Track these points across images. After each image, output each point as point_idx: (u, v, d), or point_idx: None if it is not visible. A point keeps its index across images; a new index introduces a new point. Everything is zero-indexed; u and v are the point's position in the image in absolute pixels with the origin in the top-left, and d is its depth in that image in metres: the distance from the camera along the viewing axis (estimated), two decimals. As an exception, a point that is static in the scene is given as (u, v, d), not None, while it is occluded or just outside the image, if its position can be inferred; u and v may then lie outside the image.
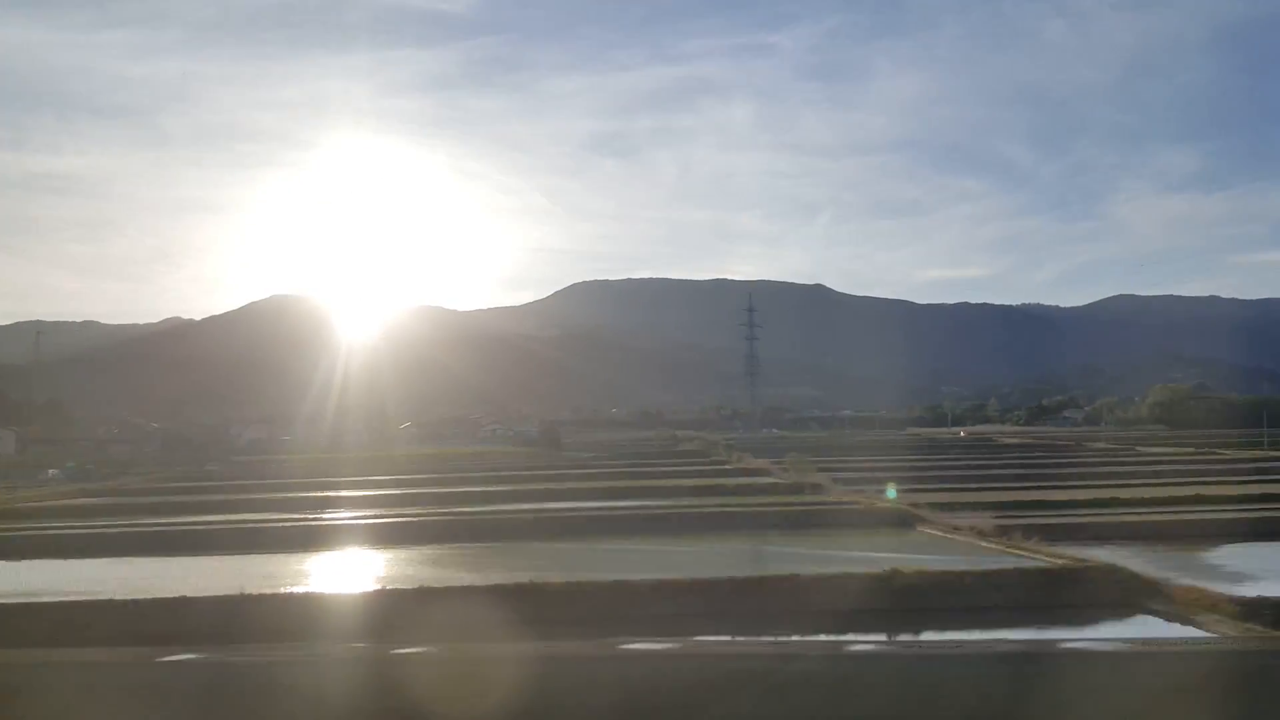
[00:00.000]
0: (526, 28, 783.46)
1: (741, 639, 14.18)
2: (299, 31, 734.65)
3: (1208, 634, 13.41)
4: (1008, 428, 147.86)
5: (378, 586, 17.47)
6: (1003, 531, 21.85)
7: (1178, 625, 14.22)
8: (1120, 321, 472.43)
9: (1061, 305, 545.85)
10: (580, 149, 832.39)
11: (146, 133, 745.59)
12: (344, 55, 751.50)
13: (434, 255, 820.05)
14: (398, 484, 45.72)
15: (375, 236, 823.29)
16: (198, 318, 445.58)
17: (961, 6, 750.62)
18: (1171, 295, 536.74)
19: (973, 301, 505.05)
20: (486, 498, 37.47)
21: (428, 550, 23.90)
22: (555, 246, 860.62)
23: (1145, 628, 14.52)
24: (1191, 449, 67.13)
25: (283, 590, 16.91)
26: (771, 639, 13.64)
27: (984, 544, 21.47)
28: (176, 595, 15.88)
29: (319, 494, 40.91)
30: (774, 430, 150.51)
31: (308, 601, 16.23)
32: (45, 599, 17.26)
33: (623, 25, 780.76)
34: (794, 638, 13.87)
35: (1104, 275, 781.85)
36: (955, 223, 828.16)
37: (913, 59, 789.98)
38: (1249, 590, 15.45)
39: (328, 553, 24.52)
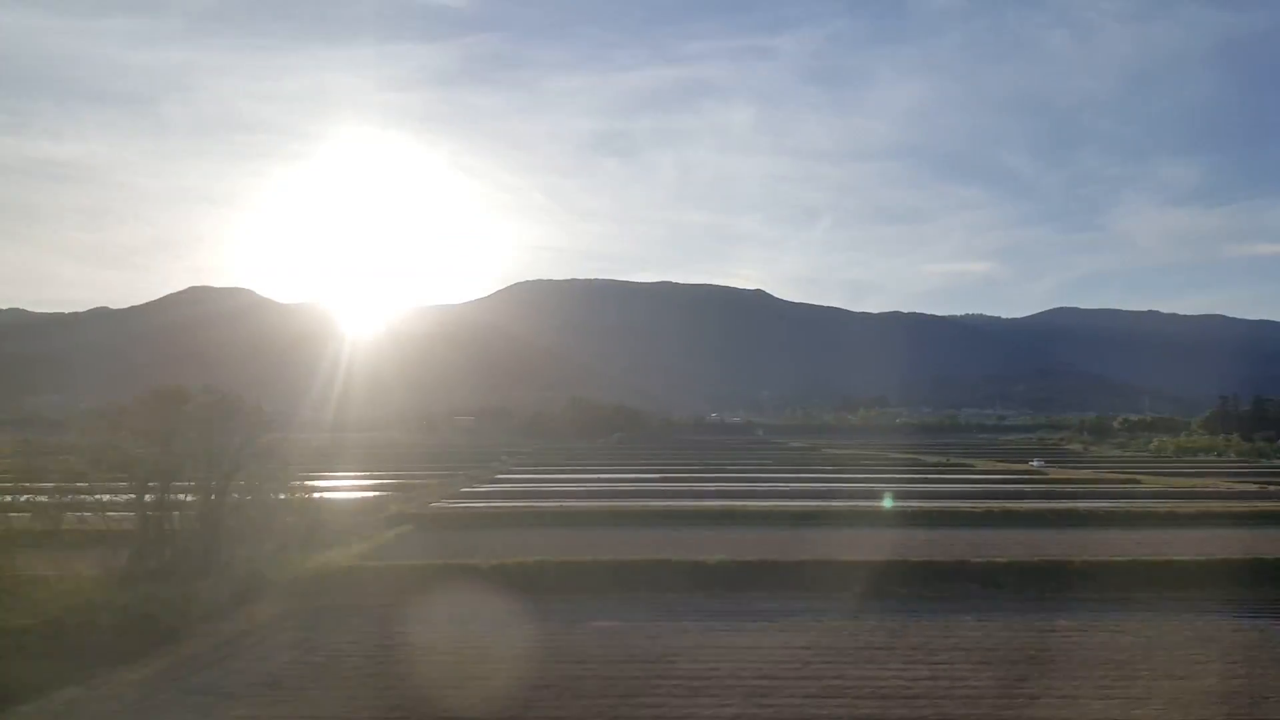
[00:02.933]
0: (526, 25, 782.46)
1: None
2: (299, 24, 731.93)
3: None
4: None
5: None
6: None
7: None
8: (1045, 334, 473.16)
9: (1003, 316, 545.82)
10: (580, 148, 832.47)
11: (147, 121, 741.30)
12: (344, 48, 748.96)
13: (422, 252, 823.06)
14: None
15: (356, 231, 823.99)
16: (121, 307, 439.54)
17: (964, 15, 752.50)
18: (1112, 309, 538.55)
19: (904, 310, 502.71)
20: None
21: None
22: (554, 245, 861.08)
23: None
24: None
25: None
26: None
27: None
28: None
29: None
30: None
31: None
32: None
33: (623, 25, 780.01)
34: None
35: (1102, 287, 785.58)
36: (955, 231, 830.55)
37: (914, 66, 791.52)
38: None
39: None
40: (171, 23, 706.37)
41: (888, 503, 45.73)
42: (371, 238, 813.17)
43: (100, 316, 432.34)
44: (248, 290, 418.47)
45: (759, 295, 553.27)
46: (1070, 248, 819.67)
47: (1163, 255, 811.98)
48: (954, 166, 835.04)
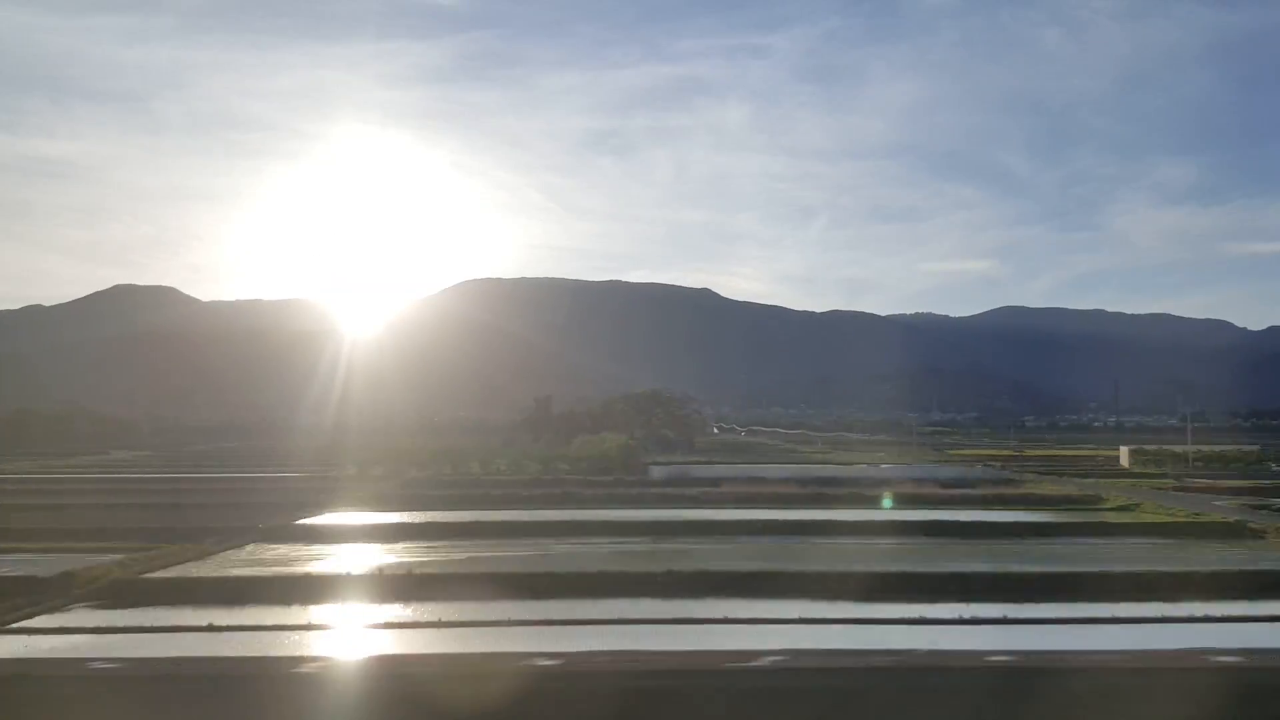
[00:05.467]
0: (519, 23, 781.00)
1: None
2: (291, 21, 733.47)
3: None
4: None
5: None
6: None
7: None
8: (981, 333, 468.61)
9: (951, 315, 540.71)
10: (576, 146, 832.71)
11: (141, 119, 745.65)
12: (338, 45, 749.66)
13: (410, 250, 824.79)
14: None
15: (353, 229, 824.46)
16: (50, 305, 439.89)
17: (958, 12, 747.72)
18: (1060, 308, 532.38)
19: (844, 310, 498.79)
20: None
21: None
22: (551, 243, 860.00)
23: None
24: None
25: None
26: None
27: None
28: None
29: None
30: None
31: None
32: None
33: (616, 23, 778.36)
34: None
35: (1099, 286, 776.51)
36: (952, 229, 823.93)
37: (909, 64, 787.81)
38: None
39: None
40: (164, 20, 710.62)
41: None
42: (356, 234, 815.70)
43: (34, 315, 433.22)
44: (171, 288, 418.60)
45: (705, 294, 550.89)
46: (1066, 246, 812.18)
47: (1156, 254, 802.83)
48: (950, 165, 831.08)
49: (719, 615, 15.01)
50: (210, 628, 14.07)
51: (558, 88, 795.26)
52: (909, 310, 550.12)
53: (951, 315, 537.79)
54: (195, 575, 18.56)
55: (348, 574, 18.38)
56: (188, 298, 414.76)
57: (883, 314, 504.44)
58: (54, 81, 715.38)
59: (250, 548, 22.39)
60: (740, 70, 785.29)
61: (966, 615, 14.93)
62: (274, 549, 22.23)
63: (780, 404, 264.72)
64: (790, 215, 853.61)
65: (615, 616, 14.93)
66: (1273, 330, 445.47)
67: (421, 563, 19.76)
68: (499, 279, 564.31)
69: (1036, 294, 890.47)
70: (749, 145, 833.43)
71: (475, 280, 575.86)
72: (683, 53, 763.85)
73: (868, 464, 57.45)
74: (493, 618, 14.72)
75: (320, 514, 28.24)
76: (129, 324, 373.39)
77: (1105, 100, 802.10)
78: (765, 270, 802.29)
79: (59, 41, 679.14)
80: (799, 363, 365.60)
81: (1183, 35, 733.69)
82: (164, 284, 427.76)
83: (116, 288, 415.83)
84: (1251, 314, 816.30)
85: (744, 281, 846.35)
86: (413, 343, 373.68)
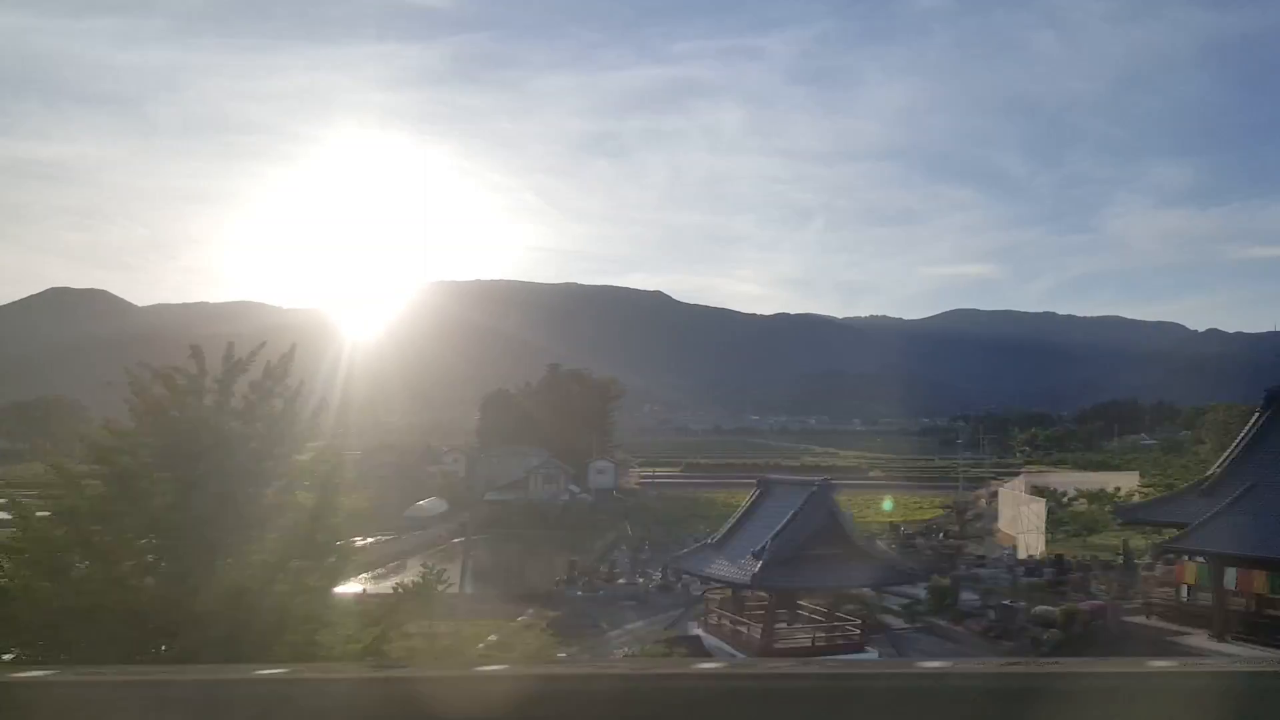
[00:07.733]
0: (513, 25, 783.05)
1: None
2: (285, 23, 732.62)
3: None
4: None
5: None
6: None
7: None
8: (929, 339, 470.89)
9: (905, 318, 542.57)
10: (571, 148, 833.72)
11: (134, 121, 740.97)
12: (331, 48, 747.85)
13: (407, 251, 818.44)
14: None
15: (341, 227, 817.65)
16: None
17: (951, 15, 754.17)
18: (1010, 311, 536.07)
19: (793, 312, 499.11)
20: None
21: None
22: (546, 245, 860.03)
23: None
24: None
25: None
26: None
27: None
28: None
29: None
30: None
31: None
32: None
33: (609, 25, 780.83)
34: None
35: (1095, 289, 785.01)
36: (949, 232, 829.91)
37: (903, 66, 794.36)
38: None
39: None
40: (157, 23, 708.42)
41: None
42: (337, 236, 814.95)
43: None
44: (104, 292, 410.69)
45: (657, 296, 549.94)
46: (1063, 249, 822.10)
47: (1145, 257, 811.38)
48: (945, 168, 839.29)
49: None
50: None
51: (552, 90, 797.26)
52: (864, 313, 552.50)
53: (904, 318, 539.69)
54: None
55: None
56: (122, 301, 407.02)
57: (839, 316, 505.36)
58: (47, 84, 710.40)
59: None
60: (735, 72, 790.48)
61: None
62: None
63: (699, 402, 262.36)
64: (787, 218, 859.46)
65: None
66: (1212, 332, 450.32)
67: None
68: (478, 280, 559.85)
69: (1032, 298, 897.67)
70: (744, 147, 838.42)
71: (462, 282, 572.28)
72: (677, 55, 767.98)
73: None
74: None
75: None
76: (65, 330, 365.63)
77: (1100, 102, 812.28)
78: (763, 273, 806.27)
79: (52, 44, 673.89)
80: (745, 363, 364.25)
81: (1177, 37, 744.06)
82: (98, 287, 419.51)
83: (50, 291, 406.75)
84: (1211, 317, 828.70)
85: (739, 284, 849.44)
86: (393, 342, 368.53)
